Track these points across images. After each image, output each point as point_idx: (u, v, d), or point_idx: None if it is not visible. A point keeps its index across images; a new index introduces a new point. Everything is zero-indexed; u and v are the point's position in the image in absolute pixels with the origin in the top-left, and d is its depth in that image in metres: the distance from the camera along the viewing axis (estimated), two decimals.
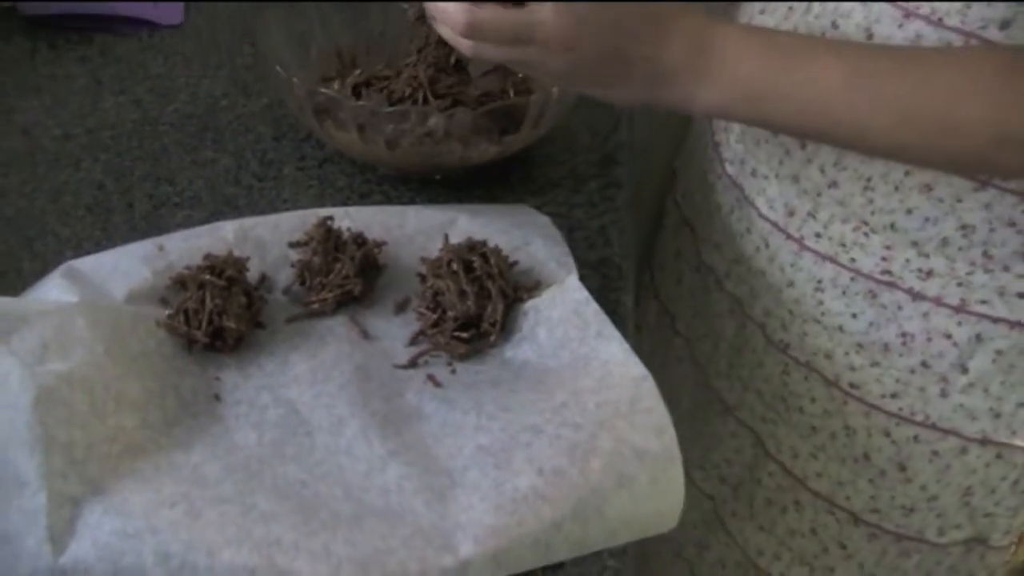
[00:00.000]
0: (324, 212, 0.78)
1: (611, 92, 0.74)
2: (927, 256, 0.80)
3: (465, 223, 0.79)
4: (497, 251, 0.74)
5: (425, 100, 0.85)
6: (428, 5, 0.71)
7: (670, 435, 0.63)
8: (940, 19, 0.73)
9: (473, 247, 0.74)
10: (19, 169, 0.88)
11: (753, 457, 0.95)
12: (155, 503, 0.57)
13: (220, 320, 0.69)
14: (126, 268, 0.72)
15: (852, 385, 0.86)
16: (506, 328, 0.72)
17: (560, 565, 0.60)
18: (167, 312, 0.69)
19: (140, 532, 0.56)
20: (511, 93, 0.89)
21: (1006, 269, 0.80)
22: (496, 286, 0.72)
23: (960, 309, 0.82)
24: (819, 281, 0.84)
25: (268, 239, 0.77)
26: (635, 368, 0.66)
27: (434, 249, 0.76)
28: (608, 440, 0.62)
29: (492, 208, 0.83)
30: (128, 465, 0.60)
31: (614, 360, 0.67)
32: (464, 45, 0.70)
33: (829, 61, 0.72)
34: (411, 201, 0.86)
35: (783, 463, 0.93)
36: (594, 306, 0.71)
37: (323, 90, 0.83)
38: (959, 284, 0.81)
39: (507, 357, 0.71)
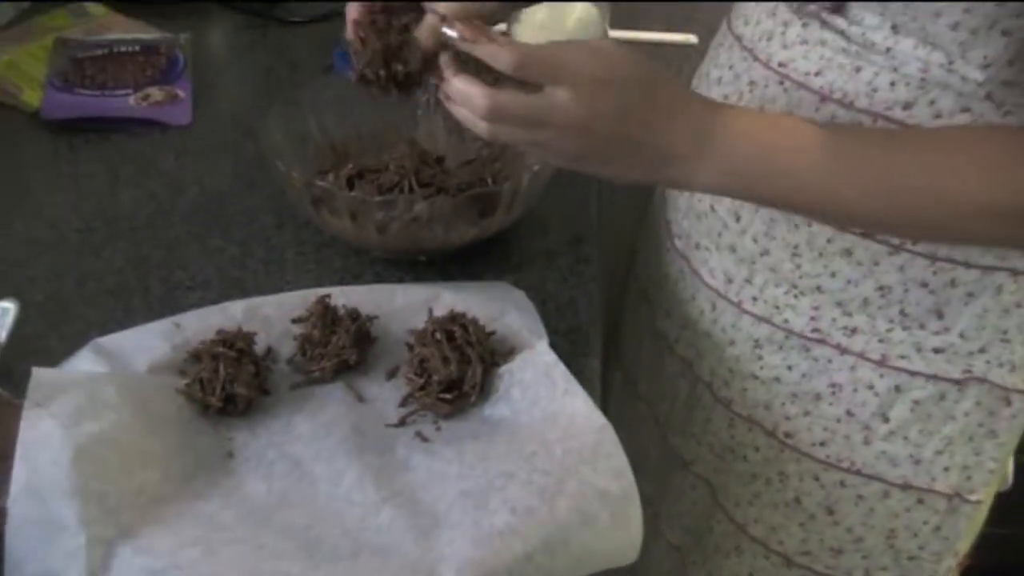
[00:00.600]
0: (322, 291, 0.87)
1: (618, 172, 0.79)
2: (851, 315, 0.89)
3: (448, 298, 0.88)
4: (476, 322, 0.84)
5: (411, 189, 0.96)
6: (447, 87, 0.77)
7: (628, 478, 0.72)
8: (851, 102, 0.82)
9: (455, 319, 0.84)
10: (47, 258, 0.98)
11: (707, 507, 1.04)
12: (178, 544, 0.66)
13: (232, 387, 0.78)
14: (147, 344, 0.81)
15: (787, 434, 0.95)
16: (484, 389, 0.81)
17: None
18: (185, 381, 0.79)
19: (166, 569, 0.64)
20: (488, 181, 0.99)
21: (922, 327, 0.88)
22: (475, 353, 0.82)
23: (881, 363, 0.90)
24: (757, 340, 0.93)
25: (273, 316, 0.86)
26: (597, 419, 0.75)
27: (420, 321, 0.85)
28: (573, 483, 0.71)
29: (472, 284, 0.92)
30: (153, 513, 0.68)
31: (579, 413, 0.76)
32: (482, 128, 0.76)
33: (823, 143, 0.78)
34: (399, 280, 0.95)
35: (728, 511, 1.02)
36: (561, 368, 0.80)
37: (319, 183, 0.94)
38: (880, 340, 0.89)
39: (486, 415, 0.80)
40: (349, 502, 0.72)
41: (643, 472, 0.77)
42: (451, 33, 0.77)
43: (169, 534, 0.67)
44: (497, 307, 0.88)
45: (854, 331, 0.90)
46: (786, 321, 0.91)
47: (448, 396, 0.80)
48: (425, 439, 0.77)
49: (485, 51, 0.74)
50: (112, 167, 1.13)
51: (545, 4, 1.32)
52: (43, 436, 0.69)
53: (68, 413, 0.71)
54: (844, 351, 0.91)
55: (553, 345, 0.84)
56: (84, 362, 0.78)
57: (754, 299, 0.93)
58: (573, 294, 0.96)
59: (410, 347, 0.84)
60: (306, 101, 1.05)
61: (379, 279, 0.96)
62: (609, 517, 0.70)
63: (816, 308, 0.90)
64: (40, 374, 0.73)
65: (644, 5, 1.45)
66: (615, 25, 1.41)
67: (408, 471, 0.74)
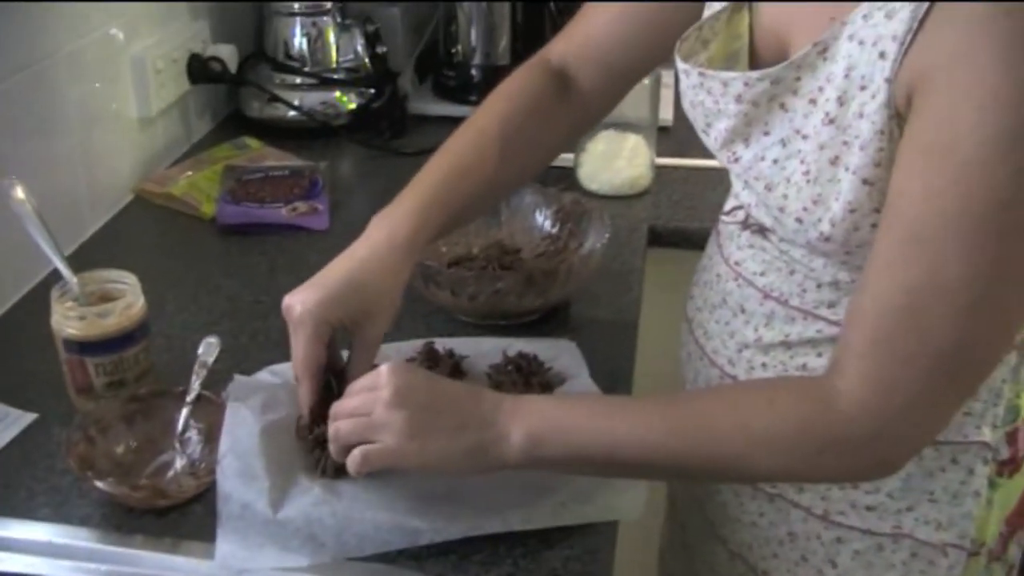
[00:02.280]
0: (428, 340, 1.20)
1: (442, 452, 0.90)
2: None
3: (518, 345, 1.20)
4: (537, 359, 1.15)
5: (495, 270, 1.28)
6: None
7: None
8: (786, 300, 1.01)
9: (522, 356, 1.15)
10: (227, 321, 1.31)
11: None
12: (328, 491, 0.98)
13: None
14: None
15: (764, 572, 1.11)
16: None
17: (569, 531, 0.98)
18: None
19: (321, 502, 0.96)
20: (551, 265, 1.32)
21: (855, 487, 1.02)
22: (536, 380, 1.13)
23: (824, 517, 1.04)
24: (736, 491, 1.11)
25: (393, 355, 1.18)
26: None
27: (498, 360, 1.17)
28: None
29: (537, 339, 1.24)
30: (308, 471, 1.00)
31: None
32: (335, 441, 0.94)
33: (618, 401, 0.97)
34: (484, 335, 1.27)
35: None
36: (597, 390, 1.11)
37: (428, 263, 1.26)
38: (822, 498, 1.04)
39: None
40: (441, 478, 1.01)
41: None
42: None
43: (320, 484, 0.99)
44: (554, 353, 1.19)
45: (801, 489, 1.05)
46: None
47: None
48: None
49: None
50: (271, 260, 1.48)
51: (604, 135, 1.65)
52: (241, 419, 1.02)
53: (257, 406, 1.04)
54: (795, 505, 1.06)
55: (595, 378, 1.15)
56: (264, 377, 1.12)
57: None
58: (614, 349, 1.26)
59: (489, 376, 1.15)
60: None
61: (469, 335, 1.27)
62: (621, 481, 1.00)
63: None
64: (239, 380, 1.07)
65: (686, 137, 1.74)
66: (661, 153, 1.73)
67: None
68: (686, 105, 1.05)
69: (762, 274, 1.04)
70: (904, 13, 0.81)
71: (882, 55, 0.83)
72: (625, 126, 1.65)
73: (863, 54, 0.85)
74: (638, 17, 1.12)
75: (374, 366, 0.98)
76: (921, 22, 0.80)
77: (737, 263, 1.08)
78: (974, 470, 1.01)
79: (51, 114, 1.43)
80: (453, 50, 2.00)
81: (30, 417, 1.13)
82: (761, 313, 1.05)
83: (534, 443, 0.90)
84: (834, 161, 0.89)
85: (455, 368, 1.16)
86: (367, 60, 1.92)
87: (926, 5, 0.80)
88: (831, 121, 0.89)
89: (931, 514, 1.02)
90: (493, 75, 1.96)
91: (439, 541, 0.94)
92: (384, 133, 1.87)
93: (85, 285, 1.13)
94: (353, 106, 1.89)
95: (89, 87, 1.52)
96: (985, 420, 1.01)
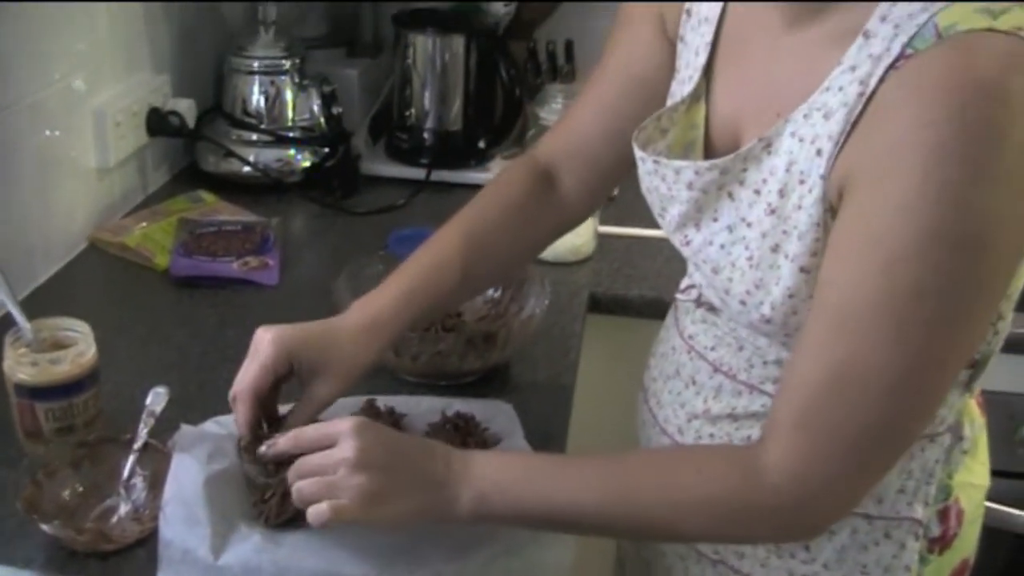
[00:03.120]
0: (369, 397, 1.24)
1: (402, 496, 0.94)
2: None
3: (457, 405, 1.24)
4: (474, 419, 1.20)
5: (437, 331, 1.33)
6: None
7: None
8: (735, 375, 1.06)
9: (460, 416, 1.20)
10: (176, 371, 1.35)
11: None
12: (267, 540, 1.01)
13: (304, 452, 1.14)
14: None
15: None
16: None
17: None
18: None
19: (261, 547, 0.99)
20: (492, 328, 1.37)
21: (792, 556, 1.06)
22: (473, 440, 1.18)
23: None
24: (681, 555, 1.15)
25: (334, 412, 1.22)
26: None
27: (436, 418, 1.21)
28: None
29: (475, 399, 1.28)
30: (249, 520, 1.04)
31: None
32: (297, 495, 0.96)
33: (559, 462, 1.02)
34: (427, 395, 1.32)
35: None
36: (529, 450, 1.16)
37: None
38: (761, 565, 1.08)
39: None
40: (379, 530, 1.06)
41: None
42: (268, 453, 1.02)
43: (260, 532, 1.03)
44: (491, 413, 1.24)
45: (742, 555, 1.10)
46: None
47: None
48: None
49: (276, 451, 1.00)
50: (221, 312, 1.51)
51: None
52: (186, 468, 1.06)
53: (202, 456, 1.07)
54: (736, 571, 1.11)
55: (529, 440, 1.20)
56: (210, 427, 1.16)
57: None
58: (549, 411, 1.32)
59: (428, 435, 1.19)
60: (365, 272, 1.42)
61: (411, 394, 1.32)
62: (551, 538, 1.04)
63: None
64: (185, 429, 1.11)
65: (629, 205, 1.80)
66: (604, 221, 1.80)
67: None
68: (643, 189, 1.11)
69: (713, 349, 1.10)
70: (840, 115, 0.88)
71: (819, 152, 0.90)
72: None
73: (803, 151, 0.92)
74: (620, 112, 1.16)
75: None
76: (854, 125, 0.88)
77: (691, 337, 1.14)
78: (905, 545, 1.06)
79: (10, 161, 1.47)
80: (407, 113, 2.06)
81: None
82: (711, 386, 1.11)
83: (480, 503, 0.95)
84: (775, 249, 0.95)
85: (395, 425, 1.21)
86: (322, 120, 1.97)
87: (859, 109, 0.87)
88: (773, 211, 0.95)
89: None
90: (445, 139, 2.04)
91: None
92: (336, 192, 1.92)
93: (38, 331, 1.17)
94: (307, 164, 1.94)
95: (49, 136, 1.56)
96: (917, 498, 1.05)
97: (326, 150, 1.95)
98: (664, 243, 1.17)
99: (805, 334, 0.91)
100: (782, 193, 0.94)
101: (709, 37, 1.06)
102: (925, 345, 0.86)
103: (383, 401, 1.24)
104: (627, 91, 1.17)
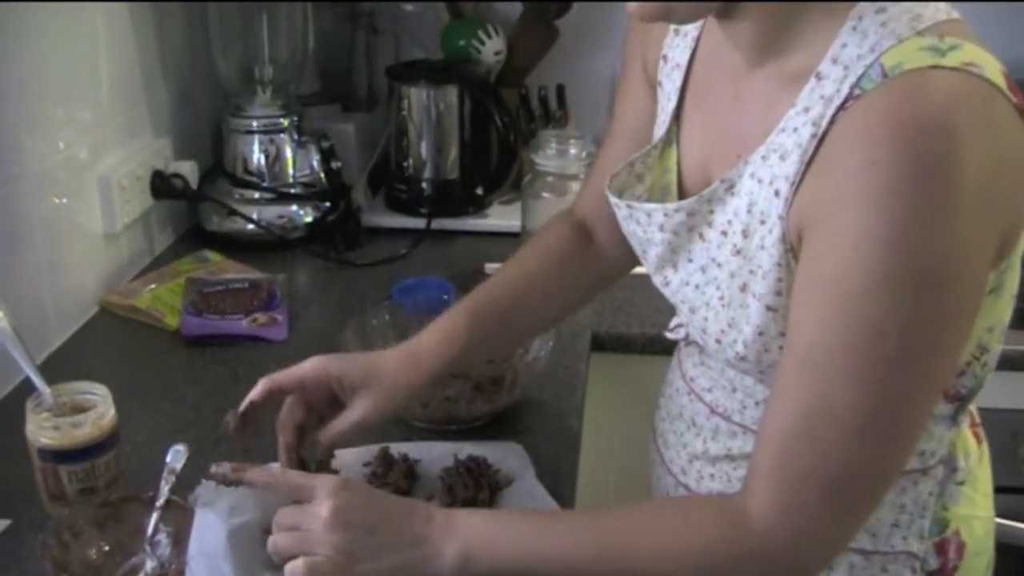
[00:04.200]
0: (383, 445, 1.27)
1: (379, 556, 0.95)
2: None
3: (468, 449, 1.27)
4: (486, 462, 1.23)
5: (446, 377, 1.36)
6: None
7: None
8: (729, 416, 1.09)
9: (473, 459, 1.23)
10: (192, 430, 1.37)
11: None
12: None
13: None
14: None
15: None
16: (492, 505, 1.19)
17: None
18: (293, 498, 1.18)
19: None
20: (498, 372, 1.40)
21: None
22: (486, 482, 1.20)
23: None
24: None
25: (351, 461, 1.25)
26: None
27: (449, 463, 1.24)
28: None
29: (486, 442, 1.31)
30: (272, 572, 1.07)
31: None
32: (270, 544, 0.98)
33: (544, 518, 1.03)
34: (439, 440, 1.34)
35: None
36: (541, 489, 1.19)
37: None
38: None
39: None
40: None
41: None
42: (216, 471, 1.05)
43: None
44: (502, 455, 1.27)
45: None
46: None
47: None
48: None
49: (247, 479, 1.03)
50: (232, 369, 1.55)
51: None
52: (208, 523, 1.08)
53: (223, 510, 1.10)
54: None
55: (540, 479, 1.22)
56: None
57: None
58: (557, 449, 1.34)
59: (442, 479, 1.22)
60: (371, 323, 1.46)
61: (423, 440, 1.35)
62: None
63: None
64: (206, 485, 1.13)
65: None
66: None
67: None
68: (625, 234, 1.14)
69: (710, 391, 1.13)
70: (795, 156, 0.91)
71: (776, 193, 0.92)
72: None
73: (762, 191, 0.94)
74: None
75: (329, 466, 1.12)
76: (807, 166, 0.90)
77: (692, 379, 1.17)
78: None
79: (20, 230, 1.50)
80: (404, 164, 2.11)
81: (3, 523, 1.18)
82: (708, 427, 1.13)
83: (466, 559, 0.95)
84: (743, 288, 0.98)
85: (409, 471, 1.23)
86: (322, 175, 2.01)
87: (811, 151, 0.89)
88: (738, 252, 0.98)
89: None
90: (443, 188, 2.08)
91: None
92: (339, 245, 1.95)
93: (58, 396, 1.20)
94: (309, 219, 1.97)
95: (57, 204, 1.60)
96: (912, 531, 1.05)
97: (327, 204, 1.98)
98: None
99: (778, 377, 0.92)
100: (745, 234, 0.97)
101: (679, 82, 1.09)
102: (890, 383, 0.86)
103: (397, 448, 1.27)
104: (628, 143, 1.19)
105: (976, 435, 1.14)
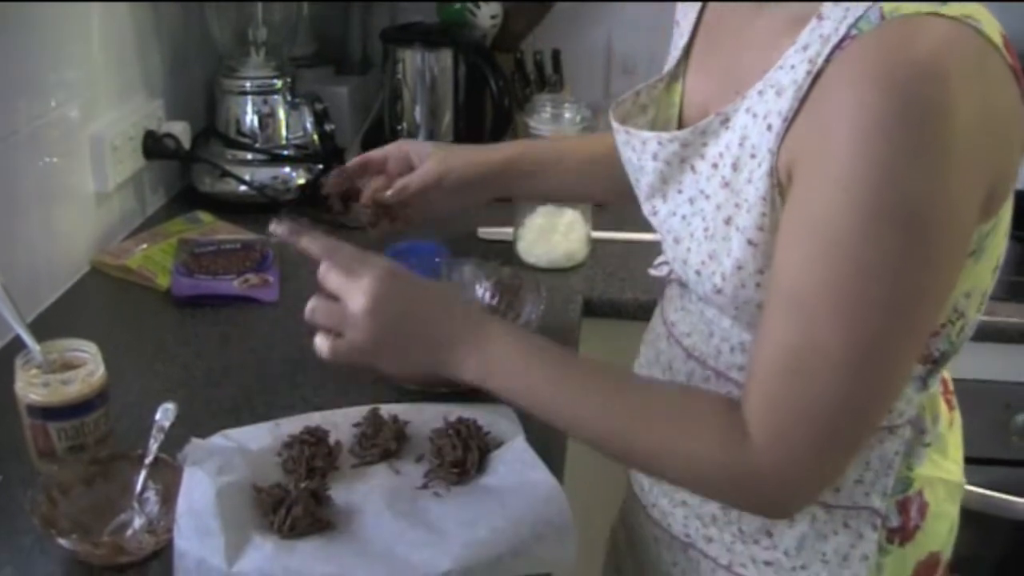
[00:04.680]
0: (373, 406, 1.27)
1: (402, 360, 1.05)
2: (707, 526, 1.14)
3: (459, 411, 1.27)
4: (476, 423, 1.22)
5: None
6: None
7: (568, 515, 1.09)
8: (705, 361, 1.10)
9: (462, 422, 1.22)
10: (182, 389, 1.38)
11: None
12: (279, 548, 1.04)
13: (312, 462, 1.17)
14: (257, 434, 1.21)
15: None
16: (480, 467, 1.19)
17: None
18: (282, 457, 1.18)
19: (272, 555, 1.02)
20: None
21: (756, 542, 1.10)
22: (475, 443, 1.20)
23: (728, 568, 1.13)
24: (656, 538, 1.22)
25: (340, 422, 1.25)
26: (552, 483, 1.13)
27: (439, 425, 1.24)
28: (531, 516, 1.08)
29: (476, 404, 1.31)
30: (261, 530, 1.07)
31: (540, 479, 1.13)
32: (307, 310, 1.09)
33: (554, 362, 1.05)
34: (429, 402, 1.34)
35: None
36: (531, 452, 1.18)
37: None
38: (727, 549, 1.12)
39: (480, 483, 1.17)
40: (386, 529, 1.09)
41: None
42: (274, 231, 1.14)
43: (272, 541, 1.05)
44: (492, 418, 1.26)
45: (710, 540, 1.14)
46: (669, 525, 1.19)
47: (456, 471, 1.17)
48: (438, 495, 1.16)
49: (301, 246, 1.12)
50: (223, 330, 1.54)
51: (542, 210, 1.75)
52: (197, 481, 1.08)
53: (212, 469, 1.10)
54: (704, 555, 1.15)
55: (530, 443, 1.22)
56: (218, 441, 1.18)
57: (652, 505, 1.22)
58: None
59: (431, 440, 1.22)
60: None
61: (413, 402, 1.34)
62: (554, 537, 1.07)
63: (686, 518, 1.16)
64: (195, 443, 1.14)
65: (621, 211, 1.85)
66: (597, 227, 1.83)
67: (426, 512, 1.12)
68: (623, 161, 1.17)
69: (688, 335, 1.14)
70: (790, 93, 0.92)
71: (769, 128, 0.93)
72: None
73: (755, 126, 0.95)
74: None
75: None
76: (801, 103, 0.91)
77: (672, 323, 1.18)
78: (863, 535, 1.08)
79: (11, 190, 1.50)
80: (398, 127, 2.10)
81: None
82: (684, 372, 1.14)
83: (483, 379, 1.05)
84: (727, 221, 0.99)
85: (399, 432, 1.23)
86: (315, 137, 2.01)
87: (806, 88, 0.90)
88: (726, 184, 0.99)
89: (822, 574, 1.09)
90: None
91: None
92: (332, 208, 1.94)
93: (48, 353, 1.19)
94: (302, 181, 1.97)
95: (48, 164, 1.59)
96: (875, 488, 1.07)
97: (320, 167, 1.98)
98: (656, 246, 1.20)
99: (764, 318, 0.94)
100: (735, 167, 0.98)
101: (693, 21, 1.13)
102: (876, 325, 0.88)
103: (387, 410, 1.27)
104: None
105: (948, 402, 1.15)
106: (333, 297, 1.06)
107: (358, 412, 1.27)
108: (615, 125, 1.13)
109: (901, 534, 1.10)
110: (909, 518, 1.10)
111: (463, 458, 1.19)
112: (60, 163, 1.62)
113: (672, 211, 1.08)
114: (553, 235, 1.75)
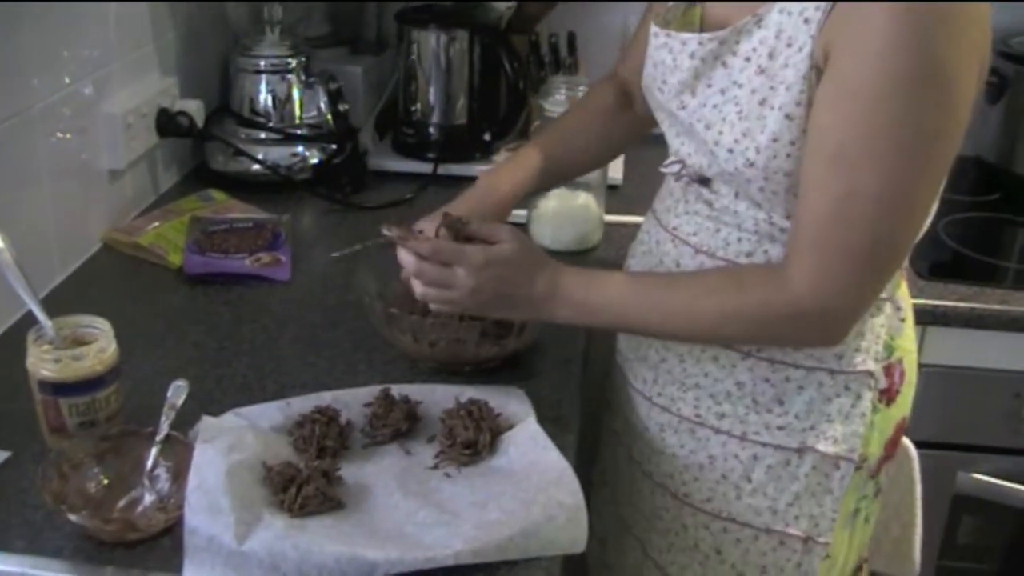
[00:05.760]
0: (385, 386, 1.27)
1: (506, 313, 1.23)
2: (720, 404, 1.26)
3: (470, 392, 1.27)
4: (487, 405, 1.22)
5: (460, 319, 1.34)
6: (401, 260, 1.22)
7: (580, 496, 1.09)
8: (713, 253, 1.21)
9: (474, 403, 1.22)
10: (193, 367, 1.37)
11: (640, 560, 1.39)
12: (290, 526, 1.04)
13: (323, 441, 1.17)
14: (268, 412, 1.21)
15: (685, 495, 1.30)
16: (492, 448, 1.19)
17: (513, 564, 1.05)
18: (293, 437, 1.18)
19: (282, 535, 1.02)
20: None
21: (768, 411, 1.23)
22: (486, 425, 1.20)
23: (742, 438, 1.25)
24: (661, 425, 1.30)
25: (351, 401, 1.25)
26: (562, 463, 1.13)
27: (451, 405, 1.24)
28: (543, 497, 1.08)
29: (488, 386, 1.31)
30: (271, 508, 1.07)
31: (551, 460, 1.14)
32: (419, 292, 1.22)
33: (625, 289, 1.20)
34: (441, 383, 1.34)
35: (654, 559, 1.35)
36: (542, 434, 1.18)
37: (393, 311, 1.33)
38: (740, 421, 1.25)
39: (491, 464, 1.17)
40: (397, 509, 1.09)
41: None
42: (388, 233, 1.23)
43: (282, 520, 1.05)
44: (503, 400, 1.26)
45: (723, 416, 1.26)
46: (679, 409, 1.29)
47: (467, 452, 1.17)
48: (449, 476, 1.15)
49: (410, 245, 1.21)
50: (235, 308, 1.54)
51: (555, 193, 1.74)
52: (208, 459, 1.08)
53: (223, 447, 1.10)
54: (717, 431, 1.26)
55: (542, 424, 1.22)
56: (230, 419, 1.18)
57: (659, 394, 1.30)
58: (560, 396, 1.34)
59: (443, 421, 1.22)
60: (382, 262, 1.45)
61: (426, 382, 1.34)
62: (565, 519, 1.07)
63: (697, 399, 1.27)
64: (207, 421, 1.14)
65: (634, 195, 1.85)
66: (610, 211, 1.82)
67: (437, 492, 1.12)
68: (649, 67, 1.29)
69: (695, 234, 1.25)
70: None
71: (807, 21, 1.07)
72: (576, 184, 1.73)
73: (791, 21, 1.09)
74: None
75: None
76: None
77: (675, 228, 1.28)
78: (861, 395, 1.23)
79: (24, 165, 1.49)
80: (412, 108, 2.09)
81: (3, 455, 1.18)
82: (693, 265, 1.25)
83: (571, 319, 1.23)
84: (762, 102, 1.12)
85: (410, 412, 1.23)
86: (329, 117, 2.00)
87: None
88: (762, 71, 1.12)
89: (829, 431, 1.23)
90: (451, 133, 2.06)
91: (394, 573, 1.01)
92: (345, 188, 1.94)
93: (60, 329, 1.19)
94: (315, 161, 1.96)
95: (62, 140, 1.58)
96: (870, 355, 1.23)
97: (334, 147, 1.97)
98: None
99: (806, 176, 1.09)
100: (771, 55, 1.11)
101: None
102: (908, 169, 1.05)
103: (397, 390, 1.27)
104: None
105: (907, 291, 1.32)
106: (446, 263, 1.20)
107: (369, 392, 1.27)
108: (655, 30, 1.25)
109: (887, 396, 1.26)
110: (893, 381, 1.26)
111: (474, 439, 1.19)
112: (74, 140, 1.62)
113: (702, 103, 1.19)
114: (567, 218, 1.75)
